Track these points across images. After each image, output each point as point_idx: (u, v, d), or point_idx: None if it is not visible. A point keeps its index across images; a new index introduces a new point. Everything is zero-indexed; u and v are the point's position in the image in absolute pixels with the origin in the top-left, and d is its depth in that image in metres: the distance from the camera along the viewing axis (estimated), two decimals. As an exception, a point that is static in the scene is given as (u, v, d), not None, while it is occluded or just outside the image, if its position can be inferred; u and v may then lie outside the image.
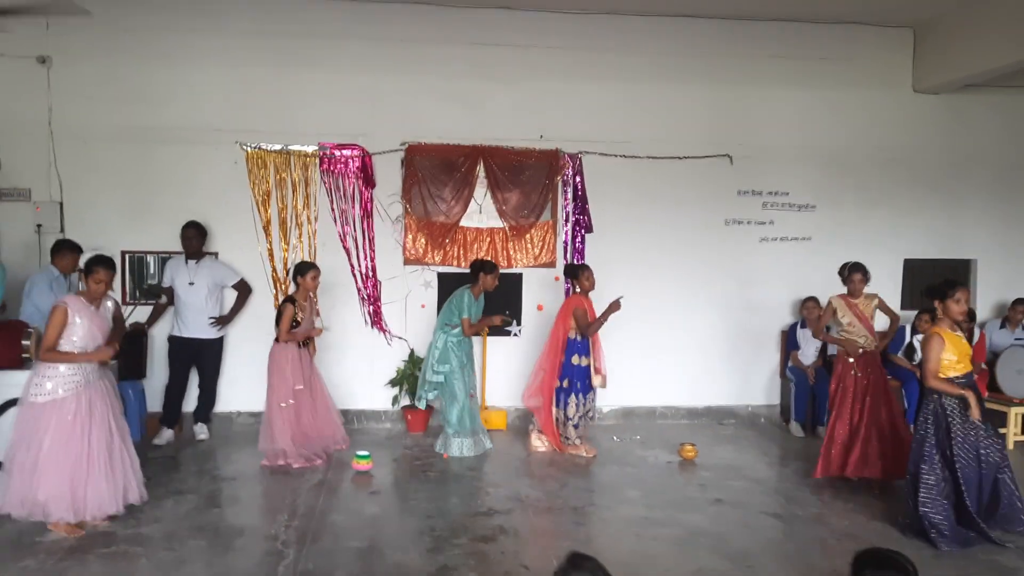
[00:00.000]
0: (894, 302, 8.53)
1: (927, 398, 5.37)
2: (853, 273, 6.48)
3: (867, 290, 6.52)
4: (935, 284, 5.47)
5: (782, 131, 8.48)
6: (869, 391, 6.33)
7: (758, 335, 8.63)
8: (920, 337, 8.15)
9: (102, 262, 5.32)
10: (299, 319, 6.82)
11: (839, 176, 8.57)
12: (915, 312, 8.09)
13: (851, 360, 6.41)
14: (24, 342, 5.93)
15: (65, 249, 6.90)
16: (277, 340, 6.77)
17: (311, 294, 7.03)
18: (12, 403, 5.41)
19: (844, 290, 6.57)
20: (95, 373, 5.30)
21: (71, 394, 5.12)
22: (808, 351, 8.25)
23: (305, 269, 6.88)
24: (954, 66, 8.12)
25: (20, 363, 5.83)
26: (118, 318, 5.56)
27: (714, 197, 8.42)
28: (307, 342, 7.02)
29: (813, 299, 8.23)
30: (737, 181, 8.45)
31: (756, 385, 8.70)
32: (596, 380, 7.20)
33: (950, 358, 5.28)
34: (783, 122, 8.48)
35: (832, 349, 8.17)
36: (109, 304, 5.44)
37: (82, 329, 5.16)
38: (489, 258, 7.79)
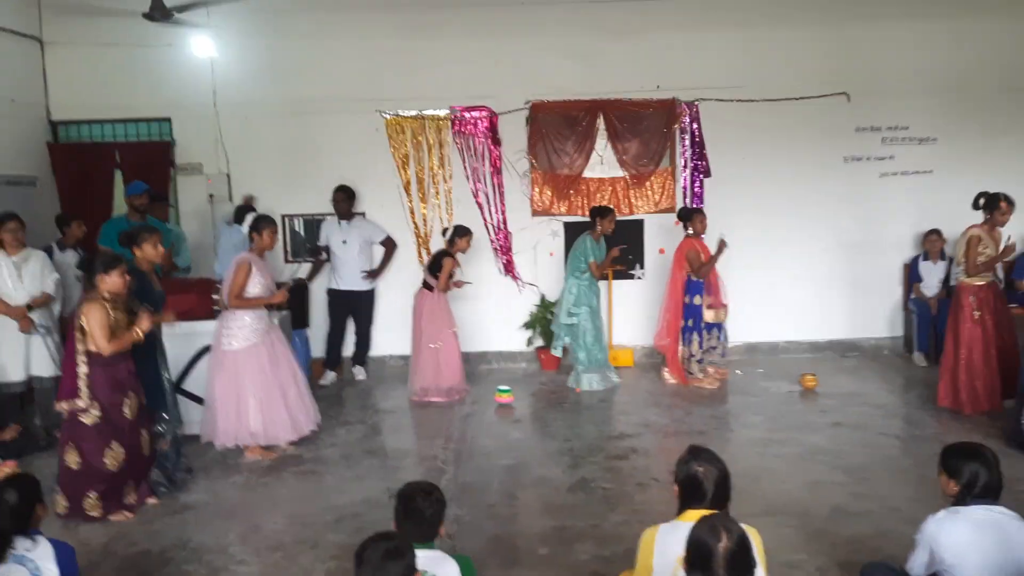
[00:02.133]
0: (1021, 232, 8.47)
1: None
2: (1000, 201, 6.31)
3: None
4: None
5: (900, 65, 8.50)
6: (992, 326, 6.42)
7: (880, 269, 8.78)
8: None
9: (273, 221, 6.19)
10: (456, 271, 7.53)
11: (961, 107, 8.54)
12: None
13: (971, 298, 6.42)
14: (214, 296, 6.87)
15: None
16: (431, 289, 7.41)
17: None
18: (207, 349, 6.35)
19: (976, 222, 6.48)
20: (271, 321, 6.18)
21: (260, 341, 5.99)
22: (931, 282, 8.37)
23: (463, 232, 7.47)
24: (1084, -14, 7.91)
25: (212, 314, 6.78)
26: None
27: (832, 135, 8.57)
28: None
29: (936, 231, 8.32)
30: (855, 118, 8.56)
31: (879, 318, 8.88)
32: (708, 315, 7.58)
33: None
34: (901, 55, 8.50)
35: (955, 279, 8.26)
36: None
37: (260, 280, 6.00)
38: (607, 204, 8.28)
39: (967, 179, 8.27)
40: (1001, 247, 6.34)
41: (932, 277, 8.36)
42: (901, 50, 8.50)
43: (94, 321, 4.83)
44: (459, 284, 7.66)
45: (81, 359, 4.89)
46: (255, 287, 5.96)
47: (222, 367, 5.99)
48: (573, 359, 7.82)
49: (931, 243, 8.33)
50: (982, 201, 6.42)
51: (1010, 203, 6.33)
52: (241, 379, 5.93)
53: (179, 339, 6.16)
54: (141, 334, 5.01)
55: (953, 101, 8.55)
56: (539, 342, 8.65)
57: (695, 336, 7.63)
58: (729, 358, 8.03)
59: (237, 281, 5.87)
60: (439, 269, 7.37)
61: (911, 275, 8.56)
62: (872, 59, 8.51)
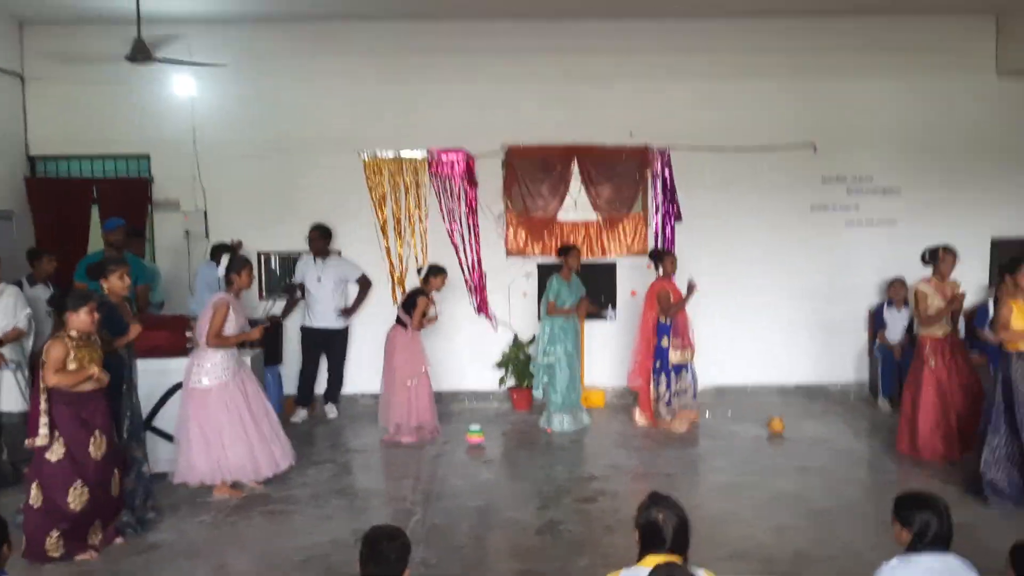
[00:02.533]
0: (982, 281, 8.78)
1: (999, 364, 5.71)
2: (943, 252, 6.59)
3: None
4: (1004, 261, 5.84)
5: (865, 118, 8.79)
6: (949, 376, 6.54)
7: (846, 315, 8.97)
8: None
9: (248, 261, 6.30)
10: (429, 310, 7.58)
11: (923, 159, 8.82)
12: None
13: (927, 349, 6.60)
14: (187, 333, 6.88)
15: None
16: (405, 327, 7.47)
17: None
18: (179, 386, 6.34)
19: (924, 276, 6.72)
20: (240, 359, 6.20)
21: (230, 379, 6.01)
22: (895, 329, 8.56)
23: (438, 271, 7.58)
24: (1039, 48, 8.26)
25: (185, 351, 6.78)
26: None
27: (799, 184, 8.81)
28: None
29: (900, 280, 8.53)
30: (821, 168, 8.81)
31: (846, 363, 9.05)
32: (674, 355, 7.66)
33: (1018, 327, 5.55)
34: (865, 110, 8.79)
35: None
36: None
37: (235, 320, 6.06)
38: (573, 244, 8.45)
39: (929, 229, 8.55)
40: (950, 291, 6.59)
41: (896, 324, 8.56)
42: (866, 105, 8.79)
43: (49, 356, 4.85)
44: (431, 320, 7.71)
45: (43, 395, 4.89)
46: (229, 327, 6.01)
47: (192, 404, 5.99)
48: (547, 399, 7.88)
49: (895, 291, 8.54)
50: (927, 256, 6.70)
51: (949, 252, 6.61)
52: (211, 416, 5.93)
53: (151, 375, 6.18)
54: (99, 373, 4.98)
55: (916, 155, 8.83)
56: (511, 382, 8.71)
57: (663, 377, 7.73)
58: (700, 400, 8.09)
59: (216, 321, 5.92)
60: (413, 307, 7.45)
61: (876, 322, 8.76)
62: (838, 112, 8.79)
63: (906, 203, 8.86)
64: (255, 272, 7.42)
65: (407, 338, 7.50)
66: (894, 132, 8.81)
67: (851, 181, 8.85)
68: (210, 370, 5.98)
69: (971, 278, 8.16)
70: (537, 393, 8.11)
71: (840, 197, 8.86)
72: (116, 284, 5.49)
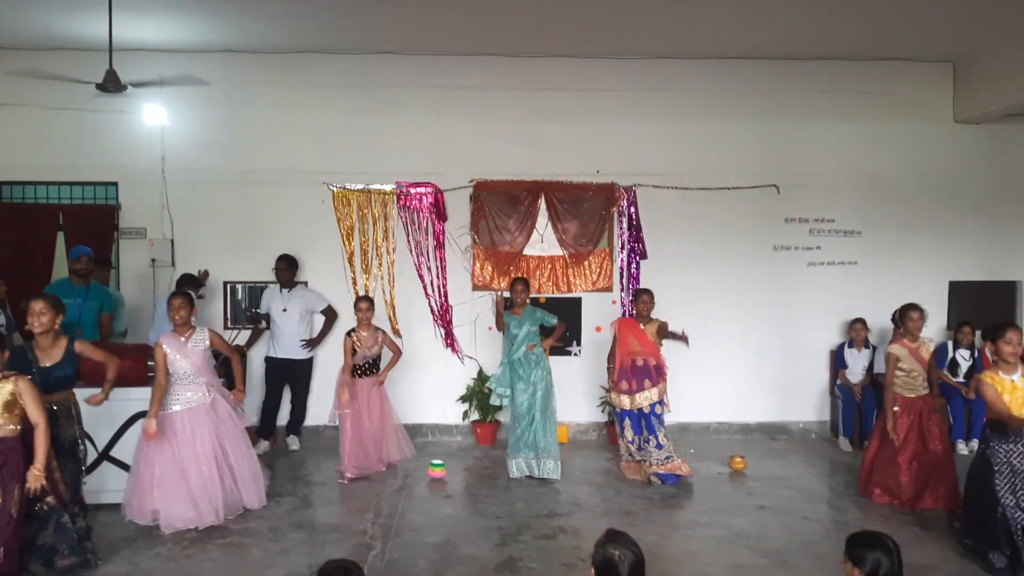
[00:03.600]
0: (940, 323, 8.94)
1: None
2: (910, 311, 6.58)
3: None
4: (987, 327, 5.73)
5: (827, 161, 8.99)
6: (918, 431, 6.50)
7: (808, 355, 9.09)
8: (963, 352, 8.55)
9: (174, 294, 6.25)
10: (356, 348, 7.36)
11: (883, 203, 9.02)
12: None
13: (896, 409, 6.53)
14: (149, 362, 6.82)
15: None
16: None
17: (368, 323, 7.46)
18: (140, 415, 6.28)
19: (889, 338, 6.88)
20: (202, 394, 6.10)
21: (175, 412, 5.96)
22: (856, 369, 8.69)
23: (359, 300, 7.48)
24: (993, 98, 8.50)
25: (147, 380, 6.71)
26: (220, 346, 6.36)
27: (762, 224, 8.96)
28: (369, 369, 7.50)
29: (860, 320, 8.67)
30: (784, 209, 8.98)
31: (807, 402, 9.15)
32: (623, 400, 7.28)
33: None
34: (828, 153, 9.00)
35: (879, 366, 8.60)
36: (204, 335, 6.23)
37: (180, 360, 6.01)
38: (545, 281, 8.64)
39: (889, 271, 8.83)
40: (926, 354, 6.59)
41: (857, 364, 8.68)
42: (827, 148, 9.00)
43: None
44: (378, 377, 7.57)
45: None
46: (176, 366, 6.01)
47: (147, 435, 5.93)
48: None
49: (856, 331, 8.67)
50: (895, 316, 6.76)
51: (915, 309, 6.61)
52: (146, 449, 5.88)
53: (112, 404, 6.09)
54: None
55: (876, 198, 9.03)
56: (475, 416, 8.71)
57: (627, 420, 7.35)
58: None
59: (155, 365, 6.00)
60: None
61: (837, 362, 8.88)
62: (801, 155, 8.98)
63: (867, 245, 9.04)
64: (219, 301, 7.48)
65: (340, 376, 7.48)
66: (855, 175, 9.01)
67: (813, 222, 9.02)
68: (168, 400, 5.97)
69: (930, 320, 8.29)
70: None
71: (802, 238, 9.02)
72: (31, 321, 5.23)
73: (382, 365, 7.65)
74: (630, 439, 7.35)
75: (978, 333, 8.23)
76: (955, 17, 7.59)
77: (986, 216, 9.10)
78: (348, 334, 7.43)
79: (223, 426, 6.21)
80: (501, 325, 7.58)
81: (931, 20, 7.66)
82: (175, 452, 5.93)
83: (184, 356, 6.04)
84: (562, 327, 7.58)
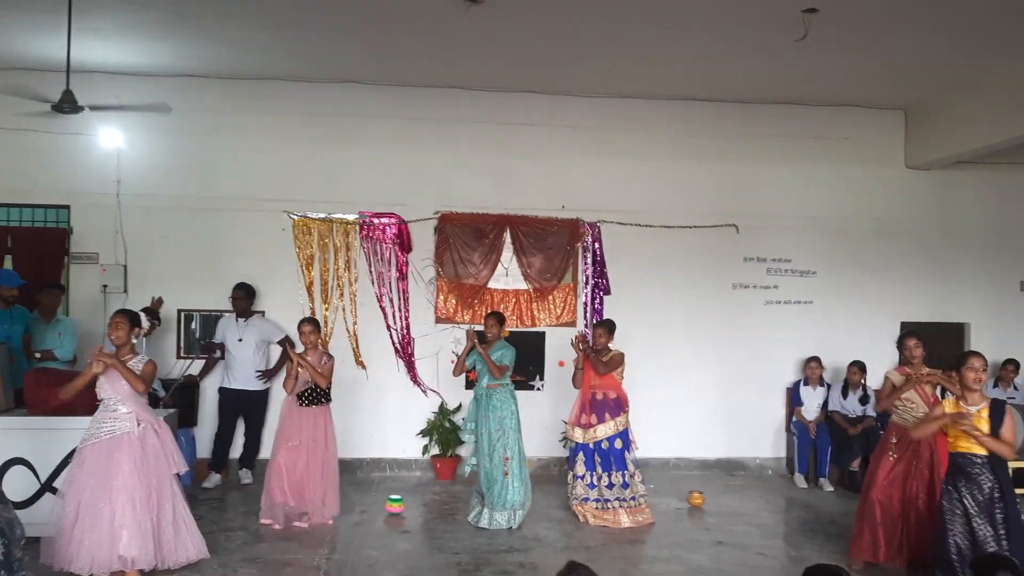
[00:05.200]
0: (892, 362, 9.07)
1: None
2: (907, 339, 6.22)
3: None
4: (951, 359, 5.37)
5: (784, 203, 9.19)
6: (908, 475, 5.90)
7: (765, 392, 9.18)
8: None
9: (116, 313, 5.79)
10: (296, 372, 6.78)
11: (838, 244, 9.24)
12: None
13: (894, 441, 5.98)
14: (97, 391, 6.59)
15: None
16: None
17: (313, 347, 6.99)
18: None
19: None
20: (127, 424, 5.57)
21: (95, 441, 5.50)
22: (811, 407, 8.80)
23: (303, 322, 7.00)
24: (943, 145, 8.80)
25: (93, 410, 6.46)
26: (147, 374, 5.69)
27: (722, 263, 9.09)
28: (315, 399, 6.94)
29: (816, 359, 8.81)
30: (743, 248, 9.13)
31: (763, 439, 9.22)
32: (576, 433, 7.14)
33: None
34: (785, 195, 9.20)
35: (834, 404, 8.73)
36: (139, 365, 5.66)
37: (102, 384, 5.58)
38: (508, 315, 8.53)
39: (843, 310, 9.01)
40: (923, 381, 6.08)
41: (812, 402, 8.80)
42: (785, 189, 9.20)
43: None
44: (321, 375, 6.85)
45: None
46: (101, 389, 5.60)
47: (73, 465, 5.57)
48: None
49: (811, 369, 8.80)
50: (901, 340, 6.31)
51: (910, 336, 6.28)
52: (88, 482, 5.45)
53: (59, 435, 5.89)
54: None
55: (831, 239, 9.24)
56: (435, 450, 8.59)
57: (580, 454, 7.14)
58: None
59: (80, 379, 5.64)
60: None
61: (793, 399, 8.98)
62: (759, 196, 9.17)
63: (822, 285, 9.22)
64: (173, 330, 7.28)
65: (284, 406, 7.00)
66: (811, 216, 9.21)
67: (771, 262, 9.18)
68: (88, 427, 5.58)
69: (882, 360, 8.52)
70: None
71: (760, 276, 9.17)
72: None
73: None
74: (580, 474, 7.11)
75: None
76: (906, 68, 7.90)
77: (936, 259, 9.36)
78: (291, 359, 6.86)
79: (149, 463, 5.58)
80: (462, 367, 7.20)
81: (883, 70, 7.96)
82: (95, 487, 5.43)
83: (112, 382, 5.57)
84: (505, 369, 6.97)
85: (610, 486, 7.06)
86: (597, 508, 7.02)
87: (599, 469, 7.08)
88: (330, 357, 7.08)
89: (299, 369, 6.78)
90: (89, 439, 5.54)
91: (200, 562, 5.71)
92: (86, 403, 6.20)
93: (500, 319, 7.22)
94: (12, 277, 7.35)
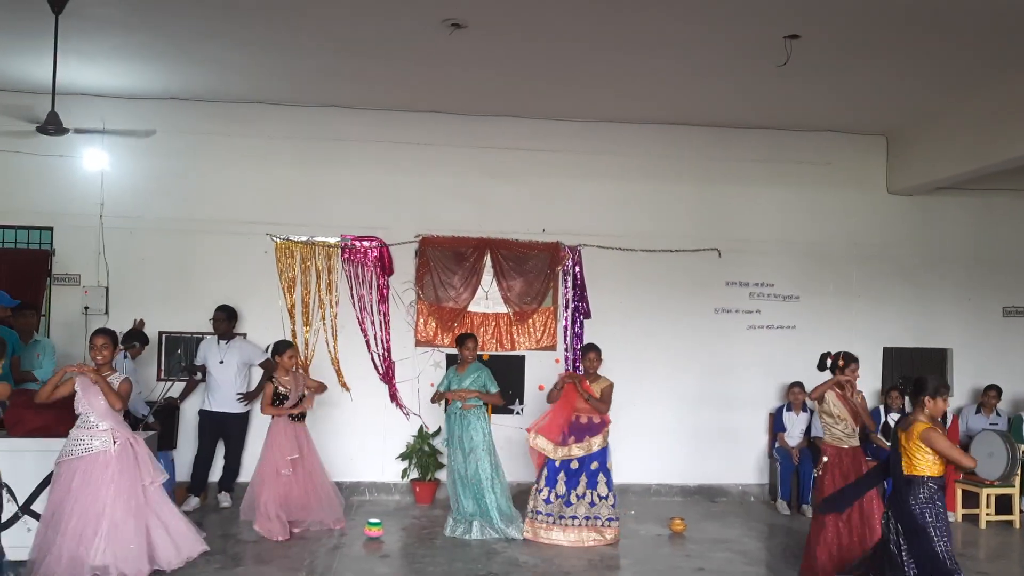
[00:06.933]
0: (874, 387, 9.11)
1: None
2: (849, 362, 6.34)
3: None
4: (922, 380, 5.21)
5: (766, 228, 9.23)
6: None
7: (747, 417, 9.16)
8: (895, 416, 8.68)
9: (96, 332, 5.93)
10: (281, 393, 7.25)
11: (820, 269, 9.28)
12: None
13: (824, 458, 6.25)
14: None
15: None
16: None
17: (294, 370, 7.39)
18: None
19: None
20: (104, 441, 5.69)
21: (73, 457, 5.61)
22: (794, 432, 8.78)
23: (282, 348, 7.36)
24: (924, 171, 8.87)
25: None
26: (124, 392, 5.86)
27: (704, 287, 9.11)
28: (302, 415, 7.40)
29: (799, 384, 8.80)
30: (725, 273, 9.16)
31: (746, 465, 9.19)
32: (538, 441, 7.20)
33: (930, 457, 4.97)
34: (767, 219, 9.24)
35: (816, 430, 8.72)
36: (116, 376, 5.85)
37: (79, 400, 5.71)
38: (489, 339, 8.64)
39: (826, 336, 8.96)
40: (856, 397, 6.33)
41: (795, 427, 8.78)
42: (766, 214, 9.25)
43: None
44: (299, 407, 7.32)
45: None
46: (78, 404, 5.74)
47: (54, 479, 5.65)
48: None
49: (794, 395, 8.79)
50: (839, 360, 6.41)
51: (857, 362, 6.44)
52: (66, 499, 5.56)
53: (40, 456, 5.85)
54: None
55: (813, 264, 9.29)
56: (415, 474, 8.54)
57: (545, 470, 7.17)
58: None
59: (62, 388, 5.74)
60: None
61: (775, 425, 8.97)
62: (741, 220, 9.21)
63: (804, 309, 9.25)
64: (153, 351, 7.28)
65: (275, 425, 7.28)
66: (793, 241, 9.26)
67: (753, 286, 9.21)
68: (66, 443, 5.68)
69: (865, 385, 8.46)
70: None
71: (743, 301, 9.19)
72: None
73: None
74: (540, 487, 7.14)
75: (907, 398, 8.37)
76: (887, 95, 7.97)
77: (917, 285, 9.39)
78: (270, 379, 7.34)
79: (127, 478, 5.72)
80: (442, 397, 7.43)
81: (864, 97, 8.04)
82: (73, 505, 5.53)
83: (90, 398, 5.69)
84: (499, 400, 7.50)
85: (568, 503, 7.08)
86: (547, 524, 7.06)
87: (561, 487, 7.12)
88: (304, 374, 7.48)
89: (305, 391, 7.32)
90: (66, 455, 5.65)
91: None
92: (67, 424, 6.19)
93: (476, 341, 7.53)
94: (4, 298, 7.30)
